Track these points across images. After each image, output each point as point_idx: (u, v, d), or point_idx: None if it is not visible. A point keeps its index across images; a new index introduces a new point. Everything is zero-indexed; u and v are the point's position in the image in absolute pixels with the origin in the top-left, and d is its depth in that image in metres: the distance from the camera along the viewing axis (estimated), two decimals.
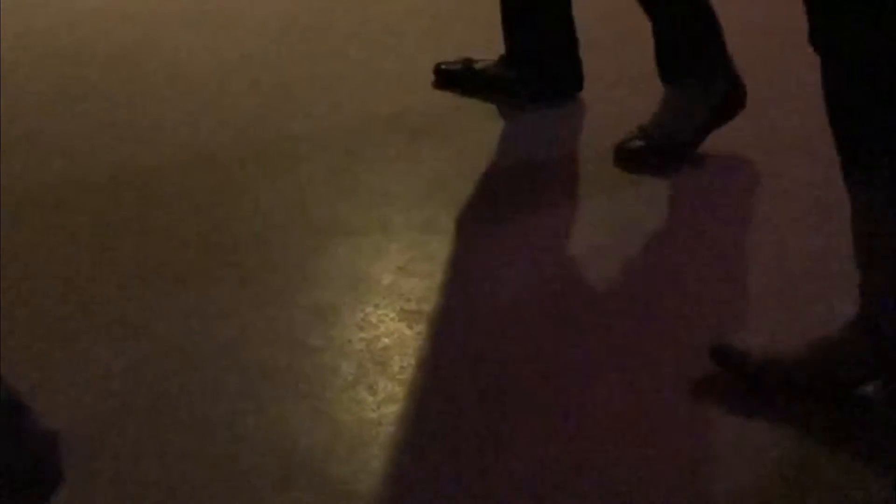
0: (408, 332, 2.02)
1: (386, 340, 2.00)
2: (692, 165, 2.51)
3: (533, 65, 2.82)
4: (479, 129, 2.76)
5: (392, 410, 1.82)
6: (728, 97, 2.52)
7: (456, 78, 2.93)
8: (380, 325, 2.04)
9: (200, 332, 2.02)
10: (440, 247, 2.28)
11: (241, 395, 1.86)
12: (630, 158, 2.55)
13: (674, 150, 2.53)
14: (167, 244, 2.29)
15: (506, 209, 2.42)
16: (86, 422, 1.79)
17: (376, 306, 2.09)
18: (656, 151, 2.53)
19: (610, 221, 2.35)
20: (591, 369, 1.90)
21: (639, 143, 2.55)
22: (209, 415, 1.81)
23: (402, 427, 1.78)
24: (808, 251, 2.17)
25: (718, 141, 2.54)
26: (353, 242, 2.30)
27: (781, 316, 1.98)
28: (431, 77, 2.96)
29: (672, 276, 2.13)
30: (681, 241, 2.26)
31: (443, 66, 2.96)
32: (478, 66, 2.92)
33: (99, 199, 2.47)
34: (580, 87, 2.83)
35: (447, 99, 2.88)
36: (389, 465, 1.70)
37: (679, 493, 1.60)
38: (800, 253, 2.16)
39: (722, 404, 1.76)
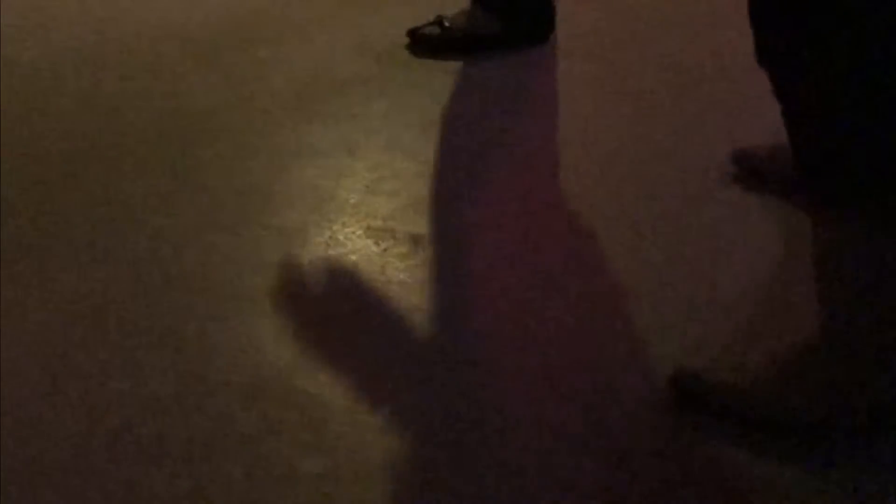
0: (375, 248, 2.03)
1: (353, 258, 2.01)
2: None
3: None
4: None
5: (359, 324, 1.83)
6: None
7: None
8: (347, 243, 2.04)
9: (167, 254, 2.02)
10: (405, 165, 2.29)
11: (209, 314, 1.86)
12: (420, 44, 2.77)
13: (463, 44, 2.75)
14: (134, 169, 2.29)
15: (470, 127, 2.43)
16: (54, 345, 1.80)
17: (343, 225, 2.10)
18: (446, 42, 2.75)
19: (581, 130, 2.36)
20: (555, 282, 1.92)
21: (433, 30, 2.77)
22: (177, 334, 1.82)
23: (366, 332, 1.79)
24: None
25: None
26: (319, 164, 2.30)
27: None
28: (399, 10, 2.95)
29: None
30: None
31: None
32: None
33: (65, 125, 2.46)
34: (551, 32, 2.83)
35: (411, 24, 2.87)
36: (356, 377, 1.71)
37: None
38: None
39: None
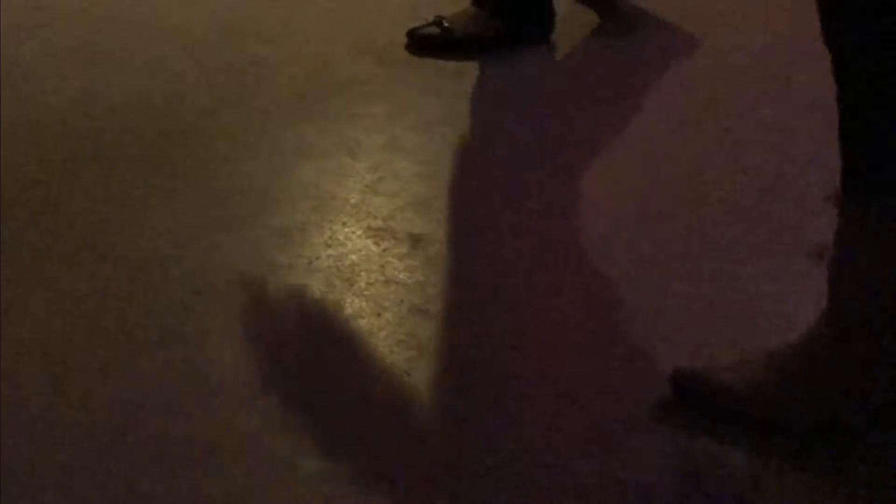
0: (374, 248, 2.02)
1: (353, 258, 2.00)
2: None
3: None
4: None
5: (359, 325, 1.83)
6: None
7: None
8: (347, 243, 2.04)
9: (167, 254, 2.02)
10: (405, 165, 2.29)
11: (209, 314, 1.86)
12: (419, 45, 2.76)
13: (462, 44, 2.74)
14: (133, 168, 2.29)
15: (470, 128, 2.43)
16: (54, 345, 1.80)
17: (343, 224, 2.10)
18: (445, 42, 2.74)
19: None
20: (556, 291, 1.92)
21: (433, 30, 2.76)
22: (177, 334, 1.82)
23: (369, 342, 1.79)
24: None
25: None
26: (319, 164, 2.30)
27: None
28: (398, 10, 2.95)
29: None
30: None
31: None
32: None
33: (65, 125, 2.46)
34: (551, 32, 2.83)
35: (411, 24, 2.87)
36: (356, 378, 1.71)
37: None
38: None
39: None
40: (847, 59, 1.48)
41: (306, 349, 1.78)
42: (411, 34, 2.78)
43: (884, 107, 1.46)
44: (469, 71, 2.68)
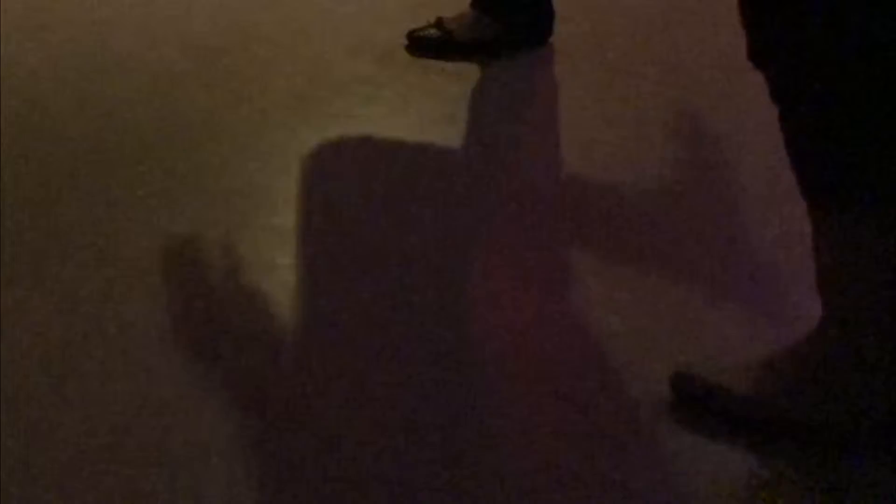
0: None
1: None
2: None
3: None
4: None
5: (359, 326, 1.83)
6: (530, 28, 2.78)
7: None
8: None
9: (167, 254, 2.02)
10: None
11: (209, 314, 1.86)
12: (419, 46, 2.76)
13: (461, 46, 2.74)
14: (134, 170, 2.29)
15: (469, 129, 2.43)
16: (54, 346, 1.80)
17: None
18: (445, 44, 2.75)
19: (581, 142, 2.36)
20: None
21: (432, 32, 2.77)
22: (176, 335, 1.82)
23: (368, 335, 1.80)
24: None
25: None
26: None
27: None
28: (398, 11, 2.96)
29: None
30: None
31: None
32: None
33: (66, 127, 2.46)
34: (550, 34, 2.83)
35: (411, 25, 2.87)
36: (356, 378, 1.71)
37: None
38: None
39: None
40: (780, 79, 1.49)
41: (304, 348, 1.78)
42: (411, 36, 2.78)
43: (820, 126, 1.47)
44: (469, 72, 2.68)
